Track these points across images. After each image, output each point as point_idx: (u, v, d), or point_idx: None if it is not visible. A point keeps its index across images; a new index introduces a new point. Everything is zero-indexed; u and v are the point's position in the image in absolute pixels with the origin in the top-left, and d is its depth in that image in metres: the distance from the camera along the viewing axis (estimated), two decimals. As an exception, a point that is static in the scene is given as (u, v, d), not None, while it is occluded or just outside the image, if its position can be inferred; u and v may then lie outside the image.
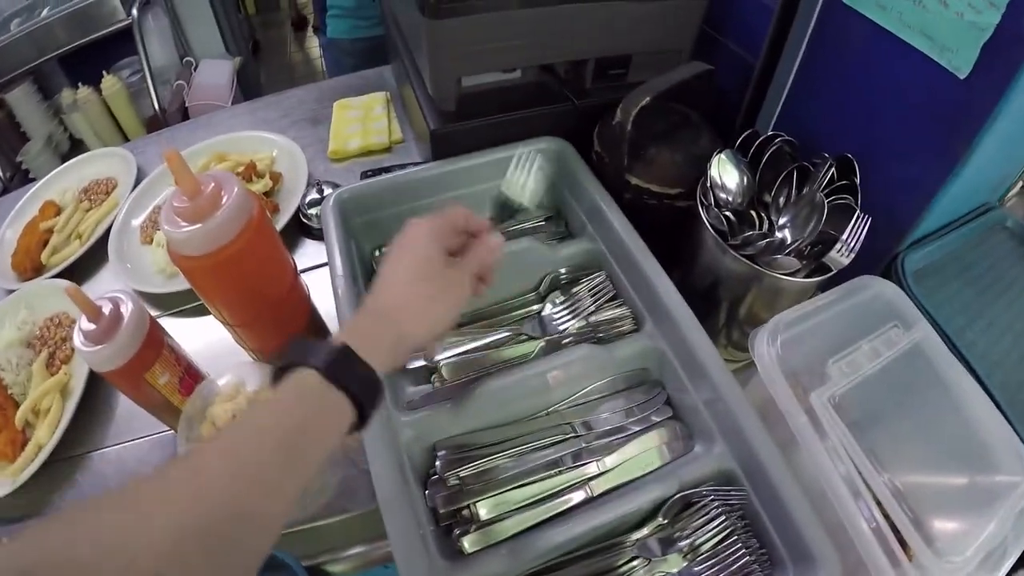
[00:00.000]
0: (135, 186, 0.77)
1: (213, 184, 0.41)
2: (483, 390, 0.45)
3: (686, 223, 0.52)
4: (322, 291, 0.54)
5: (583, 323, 0.52)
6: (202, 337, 0.59)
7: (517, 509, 0.42)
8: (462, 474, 0.43)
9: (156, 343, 0.47)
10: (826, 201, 0.46)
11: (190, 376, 0.51)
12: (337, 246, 0.52)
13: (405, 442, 0.43)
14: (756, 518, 0.40)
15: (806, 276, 0.47)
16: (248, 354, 0.56)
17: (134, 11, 1.33)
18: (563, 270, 0.56)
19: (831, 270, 0.46)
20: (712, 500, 0.41)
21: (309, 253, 0.70)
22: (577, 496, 0.42)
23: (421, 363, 0.50)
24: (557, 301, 0.54)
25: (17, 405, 0.57)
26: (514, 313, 0.54)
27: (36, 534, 0.22)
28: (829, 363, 0.43)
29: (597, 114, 0.58)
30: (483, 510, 0.42)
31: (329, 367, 0.29)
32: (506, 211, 0.42)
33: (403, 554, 0.35)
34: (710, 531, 0.40)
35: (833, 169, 0.49)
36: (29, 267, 0.70)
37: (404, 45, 0.66)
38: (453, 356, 0.50)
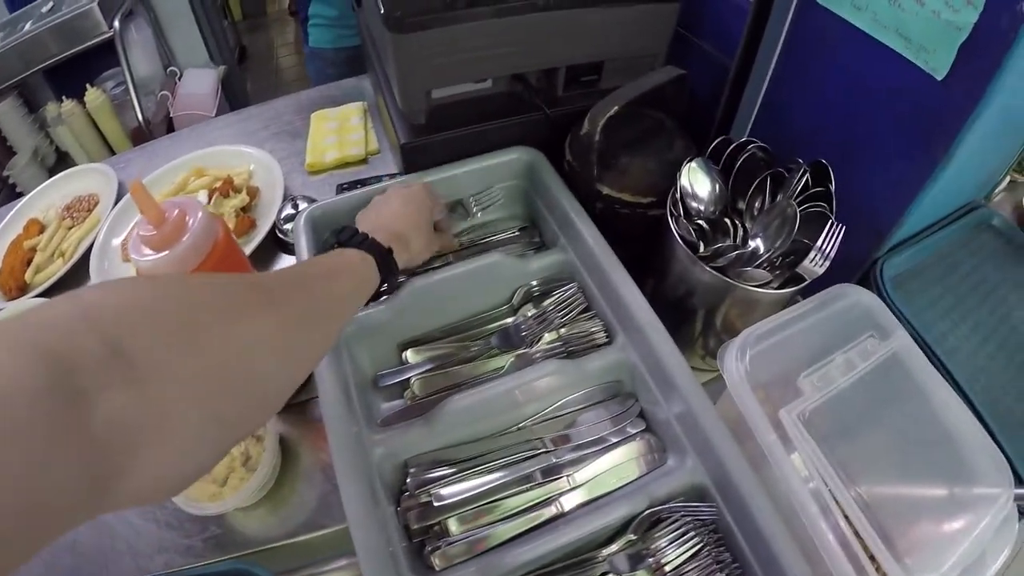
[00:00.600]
0: (116, 202, 0.77)
1: (177, 211, 0.41)
2: (454, 407, 0.45)
3: (659, 233, 0.51)
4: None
5: (554, 336, 0.51)
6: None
7: (488, 525, 0.42)
8: (433, 490, 0.43)
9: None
10: (799, 210, 0.45)
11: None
12: (308, 263, 0.51)
13: (376, 460, 0.43)
14: (728, 532, 0.40)
15: (780, 286, 0.46)
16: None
17: (116, 23, 1.33)
18: (535, 282, 0.55)
19: (805, 280, 0.45)
20: (682, 516, 0.41)
21: (287, 268, 0.70)
22: (548, 511, 0.42)
23: (396, 380, 0.50)
24: (528, 314, 0.53)
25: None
26: (486, 327, 0.54)
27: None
28: (801, 377, 0.42)
29: (570, 122, 0.57)
30: (453, 526, 0.42)
31: (380, 259, 0.42)
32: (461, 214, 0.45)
33: (372, 572, 0.35)
34: (680, 547, 0.40)
35: (808, 175, 0.48)
36: (14, 287, 0.70)
37: (376, 56, 0.65)
38: (425, 371, 0.50)
